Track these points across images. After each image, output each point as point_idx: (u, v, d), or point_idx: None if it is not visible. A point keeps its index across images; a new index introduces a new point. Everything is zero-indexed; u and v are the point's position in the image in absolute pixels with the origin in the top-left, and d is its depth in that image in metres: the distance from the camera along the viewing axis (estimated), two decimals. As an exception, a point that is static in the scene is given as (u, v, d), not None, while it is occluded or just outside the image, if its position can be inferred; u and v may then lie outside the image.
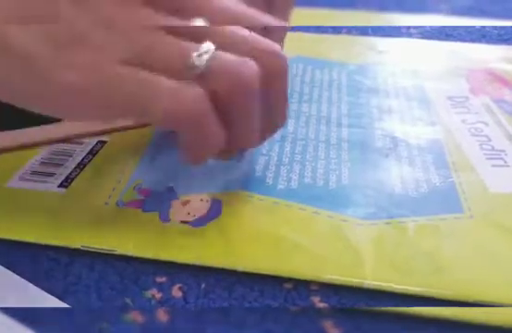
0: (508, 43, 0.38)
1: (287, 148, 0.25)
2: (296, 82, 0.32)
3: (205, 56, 0.16)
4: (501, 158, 0.24)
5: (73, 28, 0.15)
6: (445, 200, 0.21)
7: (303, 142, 0.25)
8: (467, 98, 0.30)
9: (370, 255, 0.18)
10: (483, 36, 0.39)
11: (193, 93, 0.16)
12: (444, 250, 0.19)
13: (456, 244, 0.19)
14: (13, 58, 0.15)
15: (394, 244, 0.19)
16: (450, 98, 0.30)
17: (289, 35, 0.38)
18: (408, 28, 0.40)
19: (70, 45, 0.15)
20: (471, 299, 0.17)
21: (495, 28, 0.41)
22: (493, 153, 0.24)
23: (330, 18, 0.40)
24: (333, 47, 0.37)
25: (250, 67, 0.16)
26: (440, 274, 0.18)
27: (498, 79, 0.32)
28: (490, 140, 0.26)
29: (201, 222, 0.20)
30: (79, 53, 0.15)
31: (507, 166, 0.23)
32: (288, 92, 0.31)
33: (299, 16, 0.40)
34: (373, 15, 0.39)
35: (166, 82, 0.15)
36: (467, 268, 0.18)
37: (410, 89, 0.31)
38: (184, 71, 0.16)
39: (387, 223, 0.20)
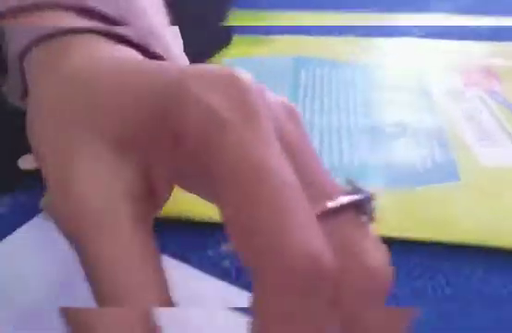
0: (499, 40, 0.43)
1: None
2: (309, 81, 0.37)
3: None
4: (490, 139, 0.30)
5: None
6: (446, 171, 0.27)
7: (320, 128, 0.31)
8: (462, 92, 0.35)
9: (393, 214, 0.24)
10: (479, 35, 0.45)
11: None
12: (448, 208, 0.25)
13: (452, 205, 0.25)
14: None
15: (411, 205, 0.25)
16: (448, 92, 0.35)
17: (294, 38, 0.43)
18: (410, 27, 0.46)
19: None
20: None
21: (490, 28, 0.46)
22: (484, 135, 0.30)
23: (334, 20, 0.43)
24: (339, 48, 0.42)
25: None
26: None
27: (490, 74, 0.37)
28: (481, 124, 0.31)
29: None
30: None
31: (495, 145, 0.29)
32: (301, 90, 0.36)
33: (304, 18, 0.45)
34: (377, 15, 0.43)
35: None
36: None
37: (413, 84, 0.36)
38: None
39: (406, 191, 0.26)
